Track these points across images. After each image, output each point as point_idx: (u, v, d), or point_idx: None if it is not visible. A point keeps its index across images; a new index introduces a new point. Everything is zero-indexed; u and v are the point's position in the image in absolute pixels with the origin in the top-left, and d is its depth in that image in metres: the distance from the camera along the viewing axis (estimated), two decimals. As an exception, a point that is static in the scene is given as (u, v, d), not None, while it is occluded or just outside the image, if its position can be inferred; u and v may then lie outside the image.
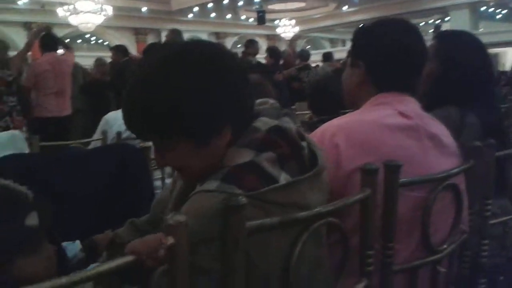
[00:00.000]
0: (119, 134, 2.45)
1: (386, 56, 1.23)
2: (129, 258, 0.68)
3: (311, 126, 1.99)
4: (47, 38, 4.57)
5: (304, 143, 0.93)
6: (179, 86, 0.86)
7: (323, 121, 1.88)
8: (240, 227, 0.70)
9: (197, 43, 0.94)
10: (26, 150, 2.29)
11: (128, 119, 0.90)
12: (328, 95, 2.20)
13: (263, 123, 0.90)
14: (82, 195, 1.39)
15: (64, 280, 0.58)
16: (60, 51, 4.83)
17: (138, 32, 14.87)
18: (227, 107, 0.88)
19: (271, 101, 1.00)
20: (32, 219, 0.91)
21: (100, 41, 16.54)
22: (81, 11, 11.13)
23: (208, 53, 0.90)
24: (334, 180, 1.09)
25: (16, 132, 2.30)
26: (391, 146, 1.11)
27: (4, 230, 0.86)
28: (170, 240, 0.67)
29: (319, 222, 0.78)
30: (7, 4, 12.09)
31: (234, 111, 0.89)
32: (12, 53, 4.39)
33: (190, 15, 14.93)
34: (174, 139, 0.88)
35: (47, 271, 0.90)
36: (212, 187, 0.83)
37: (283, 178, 0.85)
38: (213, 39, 16.59)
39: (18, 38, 12.50)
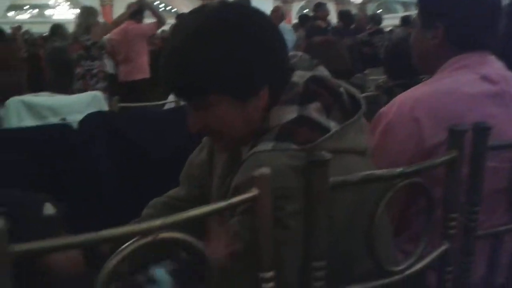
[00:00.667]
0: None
1: (468, 11, 1.15)
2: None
3: (387, 90, 1.92)
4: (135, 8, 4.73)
5: (342, 89, 0.92)
6: (217, 46, 0.85)
7: (400, 86, 1.82)
8: (323, 183, 0.70)
9: (230, 5, 0.92)
10: (105, 107, 2.41)
11: (168, 78, 0.90)
12: (405, 59, 2.12)
13: (299, 76, 0.90)
14: (161, 154, 1.45)
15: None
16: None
17: (207, -2, 15.00)
18: (263, 67, 0.87)
19: (300, 53, 0.99)
20: (49, 209, 0.95)
21: (168, 8, 16.80)
22: (152, -23, 11.34)
23: (243, 13, 0.89)
24: (415, 156, 1.06)
25: (97, 93, 2.42)
26: (476, 117, 1.05)
27: (23, 219, 0.89)
28: (254, 192, 0.69)
29: (404, 181, 0.77)
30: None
31: (271, 71, 0.89)
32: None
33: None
34: (213, 98, 0.87)
35: (69, 262, 0.92)
36: (268, 147, 0.83)
37: (333, 125, 0.85)
38: (279, 4, 16.38)
39: (92, 3, 13.01)
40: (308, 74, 0.90)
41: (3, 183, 1.31)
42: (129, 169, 1.41)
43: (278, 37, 0.91)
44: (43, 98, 2.29)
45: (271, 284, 0.70)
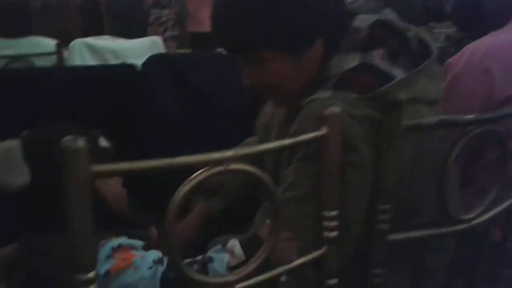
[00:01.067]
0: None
1: None
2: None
3: (457, 42, 1.83)
4: None
5: (411, 33, 0.86)
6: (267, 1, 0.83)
7: (470, 38, 1.72)
8: (396, 125, 0.68)
9: None
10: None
11: (220, 35, 0.89)
12: (476, 9, 2.00)
13: (362, 20, 0.85)
14: (223, 99, 1.45)
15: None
16: None
17: None
18: (315, 19, 0.84)
19: None
20: (104, 142, 0.97)
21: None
22: None
23: None
24: (485, 108, 1.01)
25: (156, 38, 2.44)
26: None
27: None
28: (323, 130, 0.68)
29: (479, 129, 0.74)
30: None
31: (325, 22, 0.85)
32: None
33: None
34: (265, 54, 0.86)
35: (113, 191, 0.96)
36: (326, 95, 0.81)
37: (398, 73, 0.80)
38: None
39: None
40: (372, 18, 0.86)
41: (66, 118, 1.37)
42: (191, 111, 1.43)
43: None
44: (105, 42, 2.33)
45: (334, 223, 0.71)
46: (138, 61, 2.37)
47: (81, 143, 0.58)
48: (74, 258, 0.55)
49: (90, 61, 2.25)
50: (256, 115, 1.48)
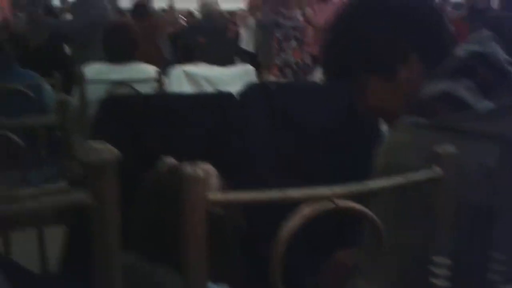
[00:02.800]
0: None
1: None
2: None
3: None
4: None
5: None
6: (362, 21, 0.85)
7: None
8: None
9: None
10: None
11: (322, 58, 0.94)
12: None
13: (464, 49, 0.82)
14: (319, 130, 1.45)
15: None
16: None
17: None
18: (408, 33, 0.83)
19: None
20: None
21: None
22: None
23: None
24: None
25: (249, 66, 2.52)
26: None
27: None
28: (437, 171, 0.66)
29: None
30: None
31: (418, 37, 0.84)
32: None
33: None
34: (362, 76, 0.86)
35: None
36: (406, 121, 0.80)
37: (484, 106, 0.76)
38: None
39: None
40: (472, 48, 0.83)
41: (166, 143, 1.44)
42: (285, 141, 1.44)
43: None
44: (202, 69, 2.45)
45: (444, 270, 0.67)
46: (231, 88, 2.47)
47: (199, 171, 0.60)
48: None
49: (187, 87, 2.37)
50: (350, 150, 1.48)
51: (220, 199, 0.63)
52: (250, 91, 1.55)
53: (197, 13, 5.23)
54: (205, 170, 0.60)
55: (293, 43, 4.40)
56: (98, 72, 2.34)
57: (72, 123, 2.36)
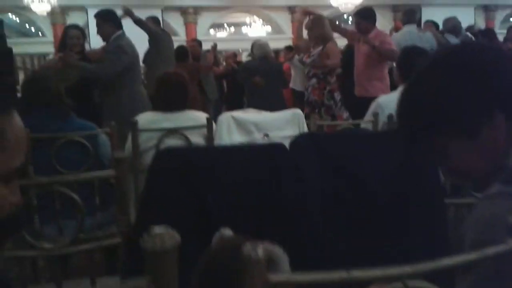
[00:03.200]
0: (390, 117, 2.43)
1: None
2: None
3: None
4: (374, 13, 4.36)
5: None
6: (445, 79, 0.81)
7: None
8: None
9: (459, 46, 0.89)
10: (305, 128, 2.49)
11: (399, 116, 0.90)
12: None
13: None
14: (374, 180, 1.41)
15: None
16: None
17: (396, 9, 14.57)
18: (492, 90, 0.78)
19: None
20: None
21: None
22: (343, -8, 11.47)
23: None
24: None
25: (297, 110, 2.52)
26: None
27: None
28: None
29: None
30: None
31: (503, 93, 0.78)
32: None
33: (454, -13, 13.83)
34: (443, 135, 0.81)
35: None
36: (493, 191, 0.73)
37: None
38: (480, 13, 15.04)
39: (283, 21, 13.78)
40: None
41: (215, 199, 1.44)
42: (338, 194, 1.40)
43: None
44: (250, 115, 2.47)
45: None
46: (280, 133, 2.47)
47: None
48: None
49: (236, 133, 2.39)
50: (407, 203, 1.42)
51: (283, 280, 0.60)
52: (300, 140, 1.53)
53: (243, 54, 5.37)
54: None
55: (313, 81, 4.20)
56: (151, 121, 2.40)
57: (125, 172, 2.42)
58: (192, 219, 1.37)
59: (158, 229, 0.52)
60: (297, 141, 1.52)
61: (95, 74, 3.76)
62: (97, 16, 3.95)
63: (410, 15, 4.85)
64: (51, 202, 1.99)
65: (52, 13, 11.76)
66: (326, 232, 1.35)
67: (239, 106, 5.34)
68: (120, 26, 3.86)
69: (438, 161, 0.87)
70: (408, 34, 4.49)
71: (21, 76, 7.97)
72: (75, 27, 4.25)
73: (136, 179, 2.33)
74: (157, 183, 1.38)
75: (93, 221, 2.30)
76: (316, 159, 1.44)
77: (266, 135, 2.41)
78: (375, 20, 4.15)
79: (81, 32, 4.08)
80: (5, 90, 0.86)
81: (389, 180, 1.43)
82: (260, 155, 1.49)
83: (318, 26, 4.14)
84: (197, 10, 13.25)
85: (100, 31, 3.87)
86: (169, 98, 2.42)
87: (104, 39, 3.91)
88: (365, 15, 4.13)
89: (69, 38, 4.07)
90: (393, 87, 2.72)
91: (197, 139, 2.41)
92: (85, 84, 3.84)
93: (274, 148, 1.50)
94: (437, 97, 0.81)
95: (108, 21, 3.82)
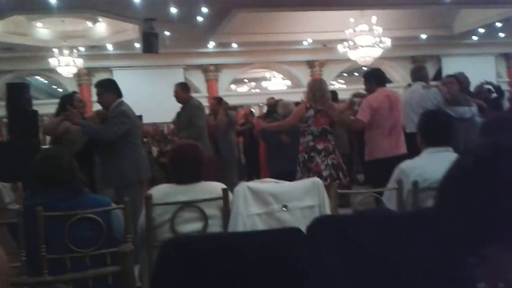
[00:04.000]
0: (415, 184, 2.32)
1: None
2: None
3: None
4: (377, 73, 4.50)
5: None
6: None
7: None
8: None
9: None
10: (326, 198, 2.39)
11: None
12: None
13: None
14: (402, 266, 1.29)
15: None
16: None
17: (415, 60, 14.63)
18: None
19: None
20: None
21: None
22: (360, 46, 11.57)
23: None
24: None
25: (317, 179, 2.42)
26: None
27: None
28: None
29: None
30: (294, 45, 13.50)
31: None
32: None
33: (474, 38, 13.82)
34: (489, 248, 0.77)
35: None
36: None
37: None
38: (501, 62, 14.98)
39: (302, 75, 13.94)
40: None
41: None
42: (363, 282, 1.29)
43: None
44: (268, 185, 2.39)
45: None
46: (299, 204, 2.37)
47: None
48: None
49: (253, 205, 2.30)
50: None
51: None
52: (319, 225, 1.43)
53: (264, 108, 5.36)
54: None
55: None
56: (165, 194, 2.34)
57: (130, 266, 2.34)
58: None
59: None
60: (314, 225, 1.42)
61: (98, 134, 3.90)
62: (99, 85, 4.14)
63: (416, 73, 5.11)
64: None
65: (78, 75, 12.16)
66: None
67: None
68: (120, 94, 4.05)
69: (486, 273, 0.81)
70: (414, 92, 4.83)
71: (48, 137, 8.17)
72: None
73: (150, 254, 2.24)
74: (164, 277, 1.30)
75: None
76: (336, 246, 1.34)
77: (285, 206, 2.31)
78: (379, 81, 4.35)
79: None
80: None
81: (417, 268, 1.31)
82: (275, 242, 1.40)
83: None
84: (218, 67, 13.55)
85: (101, 99, 4.06)
86: (183, 170, 2.37)
87: (105, 107, 4.08)
88: (365, 77, 4.46)
89: (77, 101, 4.33)
90: (415, 151, 2.61)
91: (213, 211, 2.33)
92: (87, 148, 4.01)
93: (290, 234, 1.41)
94: (481, 208, 0.77)
95: (110, 90, 4.02)
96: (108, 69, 12.37)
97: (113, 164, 3.89)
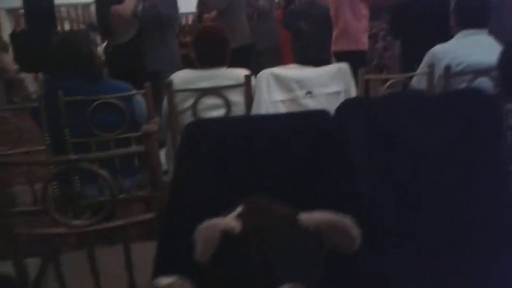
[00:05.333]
0: (447, 68, 2.20)
1: None
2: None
3: None
4: None
5: None
6: None
7: None
8: None
9: None
10: (352, 84, 2.30)
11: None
12: None
13: None
14: (431, 149, 1.24)
15: None
16: None
17: None
18: None
19: None
20: None
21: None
22: None
23: None
24: None
25: (344, 65, 2.31)
26: None
27: None
28: None
29: None
30: None
31: None
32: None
33: None
34: None
35: None
36: None
37: None
38: None
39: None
40: None
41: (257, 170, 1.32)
42: (389, 165, 1.25)
43: None
44: (292, 71, 2.30)
45: None
46: (325, 90, 2.29)
47: None
48: None
49: (276, 91, 2.24)
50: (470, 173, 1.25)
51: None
52: (346, 107, 1.37)
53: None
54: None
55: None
56: (187, 80, 2.27)
57: (161, 134, 2.34)
58: (225, 194, 1.27)
59: (166, 280, 0.41)
60: (343, 107, 1.36)
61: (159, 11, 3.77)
62: None
63: None
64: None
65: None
66: (374, 212, 1.21)
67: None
68: None
69: None
70: None
71: (66, 27, 8.00)
72: None
73: (174, 141, 2.25)
74: (188, 158, 1.28)
75: (133, 182, 2.27)
76: (364, 128, 1.29)
77: (309, 92, 2.24)
78: None
79: None
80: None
81: (447, 151, 1.26)
82: (301, 124, 1.35)
83: None
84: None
85: None
86: (208, 52, 2.26)
87: None
88: None
89: None
90: (447, 36, 2.44)
91: (236, 98, 2.28)
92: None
93: (316, 116, 1.35)
94: None
95: None
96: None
97: (161, 50, 3.82)
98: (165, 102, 2.31)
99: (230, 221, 0.91)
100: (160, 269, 1.20)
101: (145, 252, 1.38)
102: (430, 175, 1.22)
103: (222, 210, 1.19)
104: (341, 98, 2.20)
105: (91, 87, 2.15)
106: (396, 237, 1.19)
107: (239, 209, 1.00)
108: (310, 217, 0.98)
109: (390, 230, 1.20)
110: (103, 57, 3.30)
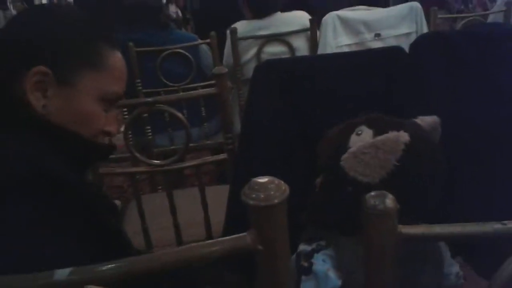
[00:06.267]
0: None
1: None
2: None
3: None
4: None
5: None
6: None
7: None
8: None
9: None
10: (425, 24, 2.18)
11: None
12: None
13: None
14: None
15: None
16: None
17: None
18: None
19: None
20: None
21: None
22: None
23: None
24: None
25: (416, 3, 2.19)
26: None
27: None
28: None
29: None
30: None
31: None
32: None
33: None
34: None
35: None
36: None
37: None
38: None
39: None
40: None
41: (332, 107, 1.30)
42: (469, 99, 1.19)
43: None
44: (359, 13, 2.20)
45: None
46: (394, 32, 2.19)
47: (389, 202, 0.47)
48: None
49: (343, 34, 2.17)
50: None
51: (415, 232, 0.48)
52: (422, 41, 1.31)
53: None
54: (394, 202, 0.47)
55: None
56: (246, 31, 2.24)
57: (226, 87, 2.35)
58: (296, 135, 1.27)
59: (262, 179, 0.42)
60: (419, 42, 1.30)
61: None
62: None
63: None
64: (161, 115, 2.03)
65: None
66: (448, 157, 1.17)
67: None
68: None
69: None
70: None
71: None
72: None
73: (239, 90, 2.26)
74: (258, 98, 1.28)
75: (200, 131, 2.33)
76: (442, 62, 1.23)
77: (378, 34, 2.15)
78: None
79: None
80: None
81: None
82: (374, 63, 1.30)
83: None
84: None
85: None
86: (257, 2, 2.21)
87: None
88: None
89: None
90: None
91: (299, 43, 2.23)
92: None
93: (390, 53, 1.30)
94: None
95: None
96: None
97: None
98: (226, 51, 2.29)
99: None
100: (233, 208, 1.24)
101: (216, 195, 1.42)
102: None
103: (295, 147, 1.19)
104: (413, 40, 2.10)
105: (158, 38, 2.19)
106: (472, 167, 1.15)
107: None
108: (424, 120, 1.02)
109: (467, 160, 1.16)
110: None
